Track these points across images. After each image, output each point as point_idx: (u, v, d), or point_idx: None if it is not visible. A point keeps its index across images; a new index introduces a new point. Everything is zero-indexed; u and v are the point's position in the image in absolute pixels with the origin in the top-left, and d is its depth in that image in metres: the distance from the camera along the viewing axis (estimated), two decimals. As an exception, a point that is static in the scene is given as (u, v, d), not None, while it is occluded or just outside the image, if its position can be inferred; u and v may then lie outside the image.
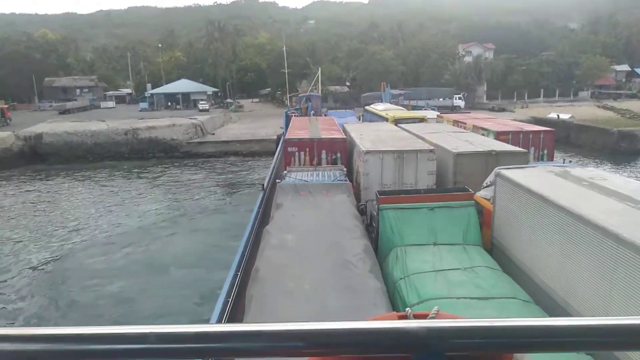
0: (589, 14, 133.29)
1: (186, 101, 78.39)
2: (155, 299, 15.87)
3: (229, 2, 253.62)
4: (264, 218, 13.01)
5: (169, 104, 77.65)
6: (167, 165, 40.27)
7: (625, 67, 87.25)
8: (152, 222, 24.88)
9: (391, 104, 41.64)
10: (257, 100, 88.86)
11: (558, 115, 53.24)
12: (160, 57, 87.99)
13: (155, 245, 21.27)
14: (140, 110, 69.39)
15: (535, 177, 9.54)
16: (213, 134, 50.06)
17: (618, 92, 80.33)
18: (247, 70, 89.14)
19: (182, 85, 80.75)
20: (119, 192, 31.79)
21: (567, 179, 9.25)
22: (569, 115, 53.83)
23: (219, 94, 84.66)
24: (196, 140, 46.49)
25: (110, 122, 48.98)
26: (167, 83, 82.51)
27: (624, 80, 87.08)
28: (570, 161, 17.25)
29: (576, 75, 76.75)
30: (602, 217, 6.66)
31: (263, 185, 16.98)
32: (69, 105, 72.67)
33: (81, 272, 18.47)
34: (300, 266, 7.81)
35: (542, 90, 76.08)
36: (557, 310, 7.33)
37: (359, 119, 33.00)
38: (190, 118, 52.46)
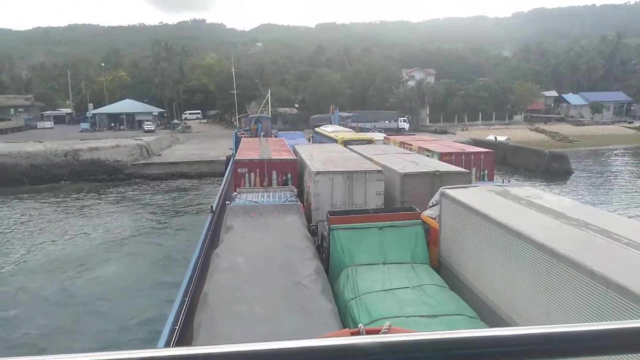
0: (520, 42, 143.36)
1: (131, 122, 76.24)
2: (87, 334, 14.79)
3: (175, 23, 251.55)
4: (213, 241, 12.68)
5: (112, 124, 75.21)
6: (110, 188, 38.79)
7: (553, 93, 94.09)
8: (91, 248, 23.51)
9: (340, 126, 42.57)
10: (205, 121, 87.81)
11: (495, 137, 56.43)
12: (104, 77, 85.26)
13: (91, 273, 19.99)
14: (81, 131, 66.64)
15: (477, 196, 9.86)
16: (160, 155, 48.86)
17: (548, 115, 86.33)
18: (195, 91, 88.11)
19: (127, 106, 78.51)
20: (57, 217, 30.13)
21: (507, 197, 9.60)
22: (505, 138, 57.21)
23: (166, 114, 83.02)
24: (142, 162, 45.16)
25: (49, 143, 46.68)
26: (110, 103, 79.91)
27: (552, 105, 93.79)
28: (509, 181, 18.34)
29: (510, 100, 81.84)
30: (539, 233, 6.94)
31: (212, 207, 16.54)
32: (2, 125, 68.64)
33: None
34: (251, 289, 7.70)
35: (480, 113, 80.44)
36: (502, 324, 7.43)
37: (309, 141, 33.50)
38: (135, 139, 50.98)
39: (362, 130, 44.78)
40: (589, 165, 48.83)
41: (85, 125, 70.86)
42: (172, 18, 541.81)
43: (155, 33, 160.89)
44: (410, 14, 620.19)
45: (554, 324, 0.71)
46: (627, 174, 44.78)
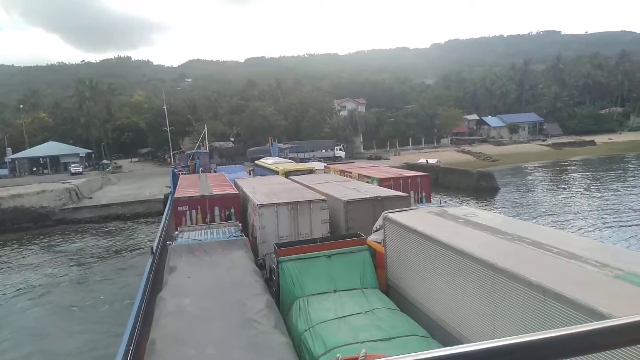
0: (440, 71, 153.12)
1: (55, 165, 72.23)
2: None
3: (98, 61, 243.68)
4: (155, 284, 12.22)
5: (35, 169, 70.82)
6: (36, 237, 36.24)
7: (474, 116, 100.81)
8: (13, 303, 21.83)
9: (279, 157, 42.92)
10: (136, 159, 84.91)
11: (427, 160, 59.30)
12: (22, 119, 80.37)
13: (14, 330, 18.59)
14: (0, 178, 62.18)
15: (418, 218, 10.10)
16: (91, 197, 46.53)
17: (472, 137, 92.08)
18: (124, 130, 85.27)
19: (50, 148, 74.41)
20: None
21: (446, 217, 9.92)
22: (436, 160, 60.27)
23: (93, 155, 79.46)
24: (71, 206, 42.75)
25: (-37, 192, 43.06)
26: (31, 146, 75.31)
27: (475, 127, 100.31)
28: (445, 201, 19.36)
29: (436, 125, 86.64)
30: (479, 250, 7.16)
31: (152, 248, 15.92)
32: None
33: None
34: (201, 330, 7.47)
35: (410, 138, 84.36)
36: (453, 341, 7.40)
37: (250, 174, 33.49)
38: (63, 182, 48.28)
39: (302, 160, 45.37)
40: (512, 181, 52.51)
41: (3, 171, 66.38)
42: (94, 57, 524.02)
43: (77, 72, 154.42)
44: (337, 47, 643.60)
45: (500, 338, 0.78)
46: (545, 186, 48.67)
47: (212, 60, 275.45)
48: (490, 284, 6.61)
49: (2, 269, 28.54)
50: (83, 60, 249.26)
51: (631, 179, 50.30)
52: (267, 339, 7.18)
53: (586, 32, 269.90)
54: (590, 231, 28.83)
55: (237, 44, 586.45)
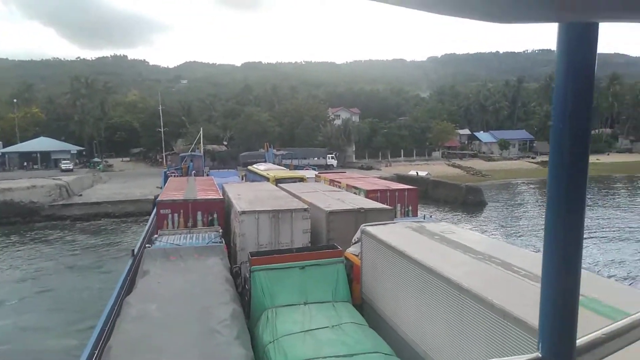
0: (435, 84, 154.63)
1: (46, 161, 71.81)
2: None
3: (94, 58, 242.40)
4: (131, 287, 11.93)
5: (25, 163, 70.37)
6: (24, 232, 36.17)
7: (466, 131, 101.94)
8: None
9: (273, 163, 43.13)
10: (127, 159, 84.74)
11: (417, 173, 59.90)
12: (14, 113, 79.99)
13: None
14: (-11, 172, 61.81)
15: (395, 232, 10.01)
16: (81, 195, 46.48)
17: (463, 152, 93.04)
18: (117, 129, 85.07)
19: (41, 144, 73.91)
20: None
21: (422, 233, 9.86)
22: (426, 173, 60.90)
23: (84, 152, 79.19)
24: (61, 203, 42.70)
25: (-49, 185, 42.86)
26: (22, 141, 74.86)
27: (466, 142, 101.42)
28: (430, 216, 19.72)
29: (429, 138, 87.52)
30: (448, 269, 7.09)
31: (133, 250, 15.64)
32: None
33: None
34: (161, 338, 7.33)
35: (402, 150, 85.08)
36: None
37: (242, 179, 33.71)
38: (54, 179, 48.17)
39: (296, 168, 45.54)
40: (501, 196, 53.24)
41: (-7, 165, 65.81)
42: (89, 54, 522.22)
43: (72, 68, 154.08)
44: (334, 55, 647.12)
45: None
46: (532, 204, 49.39)
47: (208, 63, 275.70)
48: (456, 304, 6.58)
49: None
50: (79, 57, 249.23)
51: (618, 197, 51.30)
52: (225, 350, 7.05)
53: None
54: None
55: (234, 48, 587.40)
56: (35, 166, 70.17)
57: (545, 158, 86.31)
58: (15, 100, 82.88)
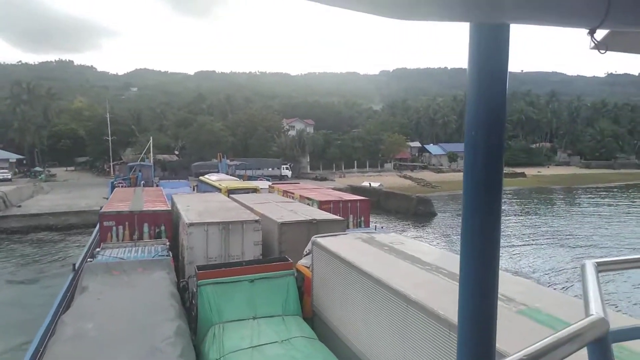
0: (387, 97, 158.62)
1: (-19, 170, 67.51)
2: None
3: (37, 62, 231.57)
4: (70, 304, 11.37)
5: (-43, 173, 65.88)
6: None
7: (417, 144, 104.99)
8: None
9: (226, 174, 42.51)
10: (72, 168, 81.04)
11: (370, 184, 60.90)
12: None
13: None
14: None
15: (345, 243, 9.88)
16: (19, 206, 43.95)
17: (414, 164, 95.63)
18: (61, 137, 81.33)
19: (-24, 152, 69.74)
20: None
21: (372, 244, 9.83)
22: (379, 184, 62.02)
23: (25, 161, 75.16)
24: (-3, 215, 40.19)
25: None
26: (-45, 149, 70.32)
27: (417, 154, 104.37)
28: (382, 227, 20.06)
29: (381, 150, 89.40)
30: (395, 279, 7.04)
31: (74, 265, 14.69)
32: None
33: None
34: (97, 359, 7.00)
35: (355, 161, 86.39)
36: None
37: (194, 189, 33.01)
38: (-11, 190, 45.34)
39: (250, 178, 45.03)
40: (449, 207, 54.98)
41: None
42: (32, 58, 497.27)
43: (12, 72, 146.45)
44: (288, 66, 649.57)
45: None
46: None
47: (160, 71, 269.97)
48: (403, 315, 6.56)
49: None
50: (20, 61, 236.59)
51: (556, 207, 54.31)
52: None
53: (522, 70, 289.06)
54: (516, 253, 30.86)
55: (187, 56, 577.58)
56: (-32, 175, 65.82)
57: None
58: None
